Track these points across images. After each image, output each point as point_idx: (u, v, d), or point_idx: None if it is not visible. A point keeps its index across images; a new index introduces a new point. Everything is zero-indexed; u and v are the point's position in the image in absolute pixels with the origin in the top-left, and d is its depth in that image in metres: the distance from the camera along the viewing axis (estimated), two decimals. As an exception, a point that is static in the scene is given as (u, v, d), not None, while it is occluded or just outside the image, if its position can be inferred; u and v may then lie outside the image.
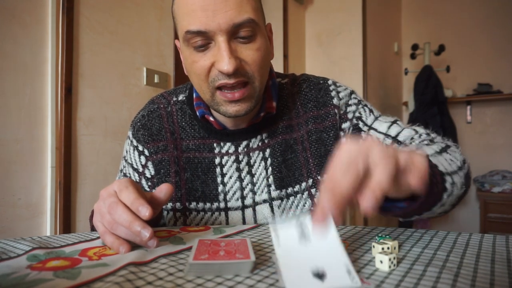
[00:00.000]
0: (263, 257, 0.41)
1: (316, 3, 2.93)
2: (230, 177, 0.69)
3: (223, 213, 0.69)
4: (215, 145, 0.70)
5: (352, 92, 0.74)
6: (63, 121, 1.32)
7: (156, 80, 1.72)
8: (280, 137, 0.70)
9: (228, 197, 0.69)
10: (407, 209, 0.43)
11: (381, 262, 0.36)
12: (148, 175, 0.72)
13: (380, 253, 0.37)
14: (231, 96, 0.59)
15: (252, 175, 0.69)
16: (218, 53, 0.56)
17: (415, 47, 3.04)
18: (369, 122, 0.70)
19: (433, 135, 0.66)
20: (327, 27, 2.86)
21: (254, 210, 0.69)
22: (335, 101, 0.71)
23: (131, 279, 0.35)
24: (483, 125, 3.24)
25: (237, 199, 0.69)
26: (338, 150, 0.38)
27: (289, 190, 0.69)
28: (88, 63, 1.44)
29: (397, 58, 3.51)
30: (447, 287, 0.31)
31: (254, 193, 0.69)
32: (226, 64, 0.55)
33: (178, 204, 0.70)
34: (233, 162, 0.69)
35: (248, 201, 0.69)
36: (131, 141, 0.74)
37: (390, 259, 0.36)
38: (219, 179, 0.69)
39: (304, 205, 0.68)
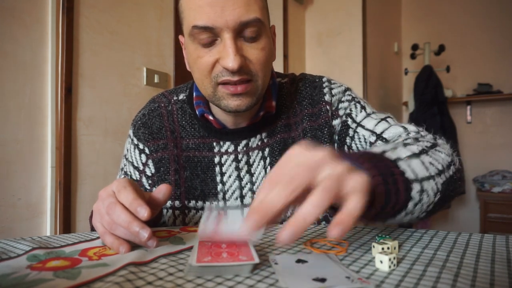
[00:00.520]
0: (263, 257, 0.41)
1: (316, 3, 2.93)
2: (229, 176, 0.69)
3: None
4: (214, 144, 0.70)
5: (347, 89, 0.73)
6: (63, 121, 1.32)
7: (156, 80, 1.72)
8: (279, 136, 0.70)
9: (227, 196, 0.69)
10: (364, 216, 0.40)
11: (381, 262, 0.36)
12: (148, 173, 0.72)
13: (380, 253, 0.37)
14: (233, 90, 0.59)
15: (251, 174, 0.69)
16: (224, 49, 0.56)
17: (415, 47, 3.04)
18: (358, 119, 0.69)
19: (422, 133, 0.62)
20: (327, 27, 2.86)
21: (253, 210, 0.69)
22: (327, 97, 0.71)
23: (131, 279, 0.35)
24: (483, 125, 3.24)
25: (236, 198, 0.69)
26: (287, 153, 0.36)
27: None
28: (88, 63, 1.44)
29: (397, 58, 3.51)
30: (447, 287, 0.31)
31: (253, 192, 0.69)
32: (231, 61, 0.55)
33: (177, 202, 0.70)
34: (232, 161, 0.69)
35: (247, 200, 0.69)
36: (132, 140, 0.74)
37: (390, 259, 0.36)
38: (218, 178, 0.69)
39: None
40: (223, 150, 0.70)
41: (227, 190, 0.69)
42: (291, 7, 2.72)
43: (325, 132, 0.70)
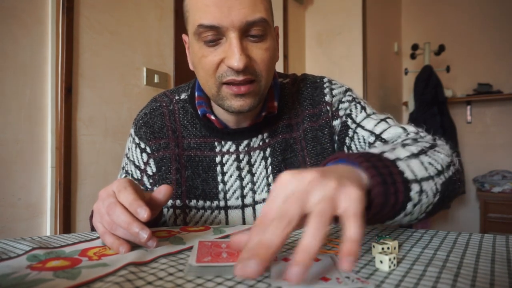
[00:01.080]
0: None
1: (316, 3, 2.93)
2: (231, 176, 0.69)
3: (223, 212, 0.69)
4: (216, 143, 0.70)
5: (347, 90, 0.74)
6: (63, 121, 1.32)
7: (156, 80, 1.72)
8: (280, 137, 0.70)
9: (228, 195, 0.69)
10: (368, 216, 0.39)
11: (381, 262, 0.36)
12: (149, 172, 0.72)
13: (380, 253, 0.37)
14: (237, 90, 0.59)
15: (253, 174, 0.69)
16: (229, 49, 0.56)
17: (415, 47, 3.04)
18: (358, 119, 0.69)
19: (422, 133, 0.62)
20: (327, 27, 2.86)
21: (254, 209, 0.69)
22: (327, 98, 0.71)
23: (131, 279, 0.35)
24: (483, 125, 3.24)
25: (237, 198, 0.69)
26: (274, 184, 0.36)
27: None
28: (88, 63, 1.44)
29: (397, 58, 3.51)
30: (447, 287, 0.31)
31: (254, 192, 0.69)
32: (236, 60, 0.55)
33: (178, 202, 0.70)
34: (233, 161, 0.70)
35: (248, 200, 0.69)
36: (133, 139, 0.74)
37: (390, 259, 0.36)
38: (219, 178, 0.69)
39: None
40: (224, 149, 0.70)
41: (228, 190, 0.69)
42: (291, 7, 2.72)
43: (325, 132, 0.70)
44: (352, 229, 0.31)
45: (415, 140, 0.54)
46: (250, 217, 0.69)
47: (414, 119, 2.91)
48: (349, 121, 0.69)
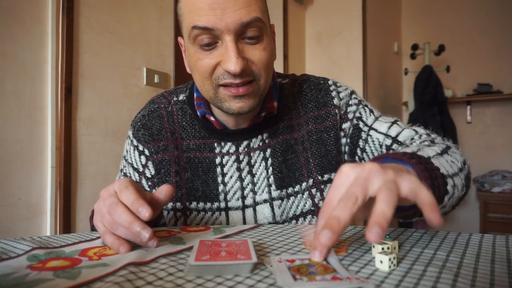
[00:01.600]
0: (263, 257, 0.41)
1: (316, 3, 2.93)
2: (231, 177, 0.69)
3: (223, 213, 0.69)
4: (215, 145, 0.70)
5: (352, 92, 0.74)
6: (63, 121, 1.32)
7: (156, 80, 1.72)
8: (280, 137, 0.70)
9: (228, 197, 0.69)
10: (408, 212, 0.44)
11: (381, 262, 0.36)
12: (148, 175, 0.72)
13: (380, 253, 0.37)
14: (235, 91, 0.58)
15: (253, 175, 0.69)
16: (225, 52, 0.56)
17: (415, 47, 3.04)
18: (369, 122, 0.70)
19: (433, 135, 0.65)
20: (327, 27, 2.86)
21: (254, 210, 0.69)
22: (335, 101, 0.71)
23: (131, 279, 0.35)
24: (483, 125, 3.24)
25: (238, 199, 0.69)
26: (337, 175, 0.39)
27: (290, 190, 0.69)
28: (88, 63, 1.44)
29: (397, 58, 3.51)
30: (447, 287, 0.31)
31: (255, 193, 0.69)
32: (233, 64, 0.55)
33: (178, 204, 0.70)
34: (233, 162, 0.69)
35: (249, 201, 0.69)
36: (132, 141, 0.74)
37: (390, 259, 0.36)
38: (219, 179, 0.69)
39: (304, 205, 0.68)
40: (224, 151, 0.70)
41: (229, 191, 0.69)
42: (291, 7, 2.72)
43: (331, 134, 0.70)
44: (425, 197, 0.36)
45: (432, 142, 0.60)
46: (251, 218, 0.69)
47: (414, 119, 2.91)
48: (361, 124, 0.70)
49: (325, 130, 0.70)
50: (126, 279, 0.35)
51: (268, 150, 0.70)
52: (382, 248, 0.39)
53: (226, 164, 0.69)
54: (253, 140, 0.70)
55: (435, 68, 2.94)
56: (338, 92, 0.72)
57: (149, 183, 0.72)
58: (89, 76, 1.44)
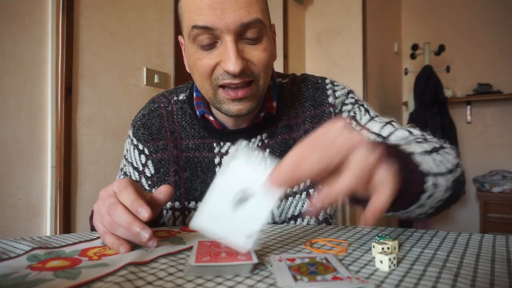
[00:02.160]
0: (263, 257, 0.41)
1: (316, 3, 2.93)
2: None
3: (222, 213, 0.69)
4: (215, 144, 0.70)
5: (350, 92, 0.74)
6: (63, 121, 1.32)
7: (156, 80, 1.72)
8: (279, 137, 0.70)
9: None
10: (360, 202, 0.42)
11: (381, 262, 0.36)
12: (148, 174, 0.72)
13: (380, 253, 0.37)
14: (234, 95, 0.58)
15: (252, 175, 0.69)
16: (225, 53, 0.56)
17: (415, 47, 3.04)
18: (363, 122, 0.69)
19: (428, 136, 0.64)
20: (327, 27, 2.86)
21: (254, 210, 0.69)
22: (330, 99, 0.71)
23: (131, 279, 0.35)
24: (483, 125, 3.24)
25: (237, 199, 0.69)
26: (325, 127, 0.37)
27: (288, 190, 0.69)
28: (88, 63, 1.44)
29: (397, 58, 3.51)
30: (447, 287, 0.31)
31: (254, 193, 0.69)
32: (232, 64, 0.54)
33: (177, 203, 0.70)
34: (233, 162, 0.69)
35: (248, 200, 0.69)
36: (132, 140, 0.74)
37: (390, 259, 0.36)
38: None
39: (302, 206, 0.68)
40: (223, 150, 0.70)
41: None
42: (291, 7, 2.72)
43: None
44: (382, 197, 0.35)
45: (425, 140, 0.58)
46: (250, 217, 0.69)
47: (414, 119, 2.91)
48: (354, 123, 0.69)
49: None
50: (126, 279, 0.35)
51: (267, 150, 0.70)
52: (382, 248, 0.39)
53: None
54: (252, 140, 0.70)
55: (435, 68, 2.94)
56: (334, 91, 0.72)
57: (149, 182, 0.72)
58: (89, 76, 1.44)
